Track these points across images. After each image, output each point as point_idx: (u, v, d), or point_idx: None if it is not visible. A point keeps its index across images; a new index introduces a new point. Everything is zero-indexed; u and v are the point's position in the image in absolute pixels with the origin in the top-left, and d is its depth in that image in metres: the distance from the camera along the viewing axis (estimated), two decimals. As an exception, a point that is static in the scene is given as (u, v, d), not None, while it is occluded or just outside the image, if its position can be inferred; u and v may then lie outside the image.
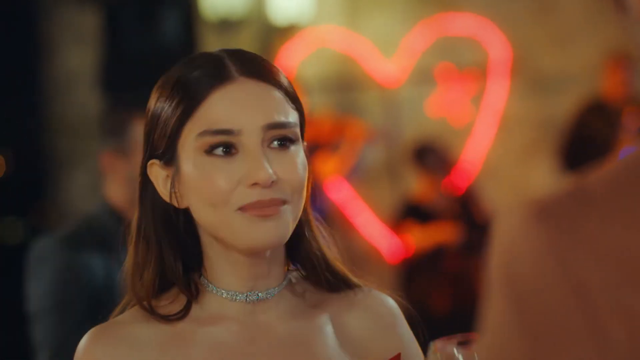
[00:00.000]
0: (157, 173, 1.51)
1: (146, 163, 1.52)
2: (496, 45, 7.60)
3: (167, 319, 1.49)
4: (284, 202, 1.45)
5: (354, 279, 1.59)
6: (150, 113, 1.52)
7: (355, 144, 6.89)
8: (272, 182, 1.44)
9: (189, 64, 1.52)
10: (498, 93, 7.62)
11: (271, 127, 1.46)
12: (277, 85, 1.49)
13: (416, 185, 6.67)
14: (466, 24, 7.64)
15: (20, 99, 7.71)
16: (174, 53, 5.37)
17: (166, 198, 1.50)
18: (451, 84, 7.65)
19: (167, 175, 1.50)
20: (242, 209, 1.44)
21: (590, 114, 6.67)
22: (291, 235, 1.50)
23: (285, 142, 1.47)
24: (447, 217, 6.18)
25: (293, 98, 1.51)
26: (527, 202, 0.85)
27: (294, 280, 1.57)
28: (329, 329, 1.55)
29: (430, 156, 6.43)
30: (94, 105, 6.64)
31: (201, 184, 1.45)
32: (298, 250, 1.57)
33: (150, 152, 1.51)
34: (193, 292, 1.51)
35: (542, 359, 0.81)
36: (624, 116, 6.50)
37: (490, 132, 7.63)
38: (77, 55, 7.55)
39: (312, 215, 1.57)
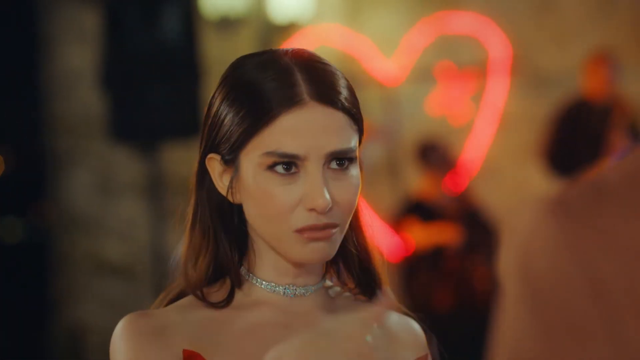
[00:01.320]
0: (215, 166, 1.54)
1: (205, 154, 1.54)
2: (496, 44, 7.60)
3: (216, 306, 1.54)
4: (336, 226, 1.50)
5: (385, 289, 1.63)
6: (214, 109, 1.54)
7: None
8: (329, 208, 1.48)
9: (260, 70, 1.52)
10: (498, 91, 7.62)
11: (333, 155, 1.49)
12: (344, 109, 1.52)
13: (418, 183, 6.67)
14: (466, 23, 7.64)
15: (21, 97, 7.71)
16: (175, 51, 5.37)
17: (222, 191, 1.54)
18: (451, 82, 7.65)
19: (224, 170, 1.53)
20: (297, 231, 1.48)
21: (573, 113, 6.68)
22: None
23: (343, 161, 1.51)
24: (449, 216, 6.18)
25: (356, 118, 1.55)
26: (543, 198, 0.84)
27: (329, 282, 1.62)
28: (357, 328, 1.57)
29: (435, 154, 6.43)
30: (95, 104, 6.64)
31: (260, 198, 1.49)
32: (342, 256, 1.61)
33: (211, 147, 1.54)
34: (240, 282, 1.56)
35: (557, 355, 0.80)
36: (612, 116, 6.51)
37: (490, 130, 7.63)
38: (77, 53, 7.55)
39: (364, 218, 1.63)
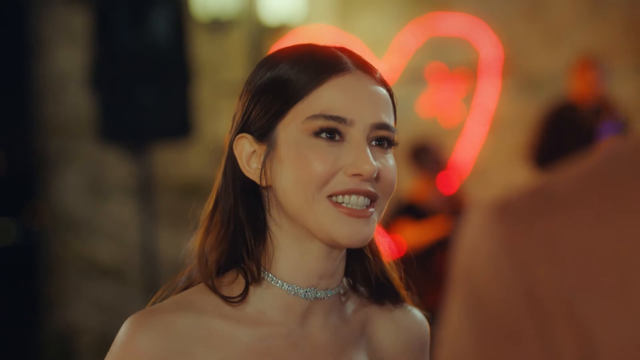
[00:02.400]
0: (243, 148, 1.50)
1: (234, 136, 1.51)
2: (487, 45, 7.61)
3: (227, 300, 1.47)
4: (376, 200, 1.46)
5: (402, 295, 1.61)
6: (254, 86, 1.51)
7: None
8: (373, 177, 1.45)
9: (300, 49, 1.53)
10: (489, 93, 7.62)
11: (379, 127, 1.47)
12: (385, 86, 1.52)
13: (410, 184, 6.67)
14: (457, 24, 7.65)
15: (11, 99, 7.70)
16: (165, 53, 5.37)
17: (248, 173, 1.49)
18: (442, 83, 7.65)
19: (254, 151, 1.49)
20: (334, 195, 1.43)
21: (560, 114, 6.70)
22: None
23: (383, 142, 1.49)
24: (440, 217, 6.18)
25: (394, 105, 1.54)
26: (491, 200, 0.84)
27: (344, 286, 1.58)
28: (365, 342, 1.56)
29: (427, 155, 6.43)
30: (85, 105, 6.64)
31: (300, 164, 1.44)
32: (356, 259, 1.57)
33: (243, 126, 1.50)
34: (256, 277, 1.49)
35: (490, 359, 0.80)
36: (600, 118, 6.53)
37: (481, 132, 7.64)
38: (67, 55, 7.54)
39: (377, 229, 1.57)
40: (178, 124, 5.41)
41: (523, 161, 7.09)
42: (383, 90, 1.51)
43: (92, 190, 7.70)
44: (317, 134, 1.45)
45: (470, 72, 7.63)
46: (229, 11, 7.30)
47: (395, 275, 1.60)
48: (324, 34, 7.65)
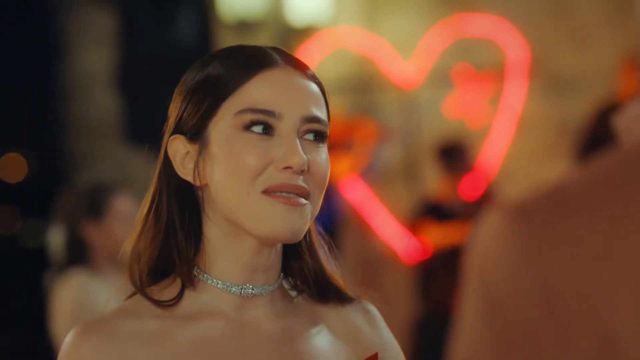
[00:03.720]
0: (177, 149, 1.51)
1: (168, 138, 1.52)
2: (514, 46, 7.58)
3: (160, 304, 1.49)
4: (307, 196, 1.46)
5: (349, 293, 1.60)
6: (185, 88, 1.52)
7: (367, 144, 6.88)
8: (303, 170, 1.45)
9: (229, 49, 1.54)
10: (516, 94, 7.60)
11: (309, 120, 1.48)
12: (316, 82, 1.53)
13: (436, 184, 6.66)
14: (484, 25, 7.63)
15: (39, 100, 7.74)
16: (191, 54, 5.39)
17: (182, 174, 1.50)
18: (469, 85, 7.63)
19: (188, 152, 1.50)
20: (267, 191, 1.44)
21: (606, 116, 6.66)
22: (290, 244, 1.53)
23: (316, 137, 1.49)
24: (466, 218, 6.16)
25: (325, 100, 1.54)
26: (506, 203, 0.84)
27: (286, 285, 1.58)
28: (314, 330, 1.56)
29: (456, 156, 6.42)
30: (111, 107, 6.66)
31: (232, 158, 1.45)
32: (294, 258, 1.57)
33: (176, 128, 1.52)
34: (191, 279, 1.50)
35: None
36: None
37: (508, 133, 7.61)
38: (94, 57, 7.57)
39: (314, 226, 1.57)
40: (203, 125, 5.43)
41: (551, 162, 7.05)
42: (313, 85, 1.51)
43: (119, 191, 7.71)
44: (247, 127, 1.46)
45: (497, 73, 7.60)
46: (255, 12, 7.31)
47: (335, 275, 1.59)
48: (350, 35, 7.65)
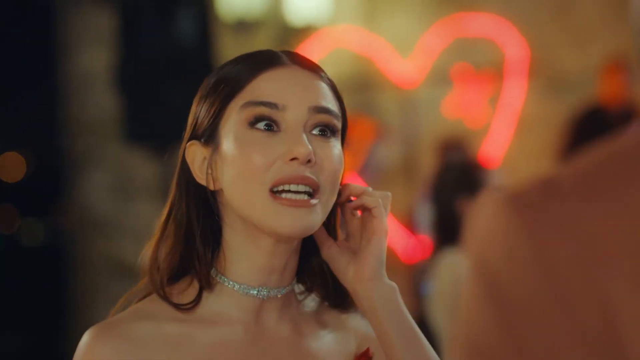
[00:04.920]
0: (195, 154, 1.51)
1: (186, 144, 1.53)
2: (513, 46, 7.59)
3: (179, 307, 1.49)
4: (317, 188, 1.45)
5: (353, 304, 1.59)
6: (199, 95, 1.53)
7: (364, 141, 6.88)
8: (310, 160, 1.44)
9: (242, 55, 1.55)
10: (515, 93, 7.60)
11: (316, 111, 1.48)
12: (326, 80, 1.52)
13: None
14: (483, 24, 7.63)
15: (39, 99, 7.74)
16: (191, 54, 5.39)
17: (200, 180, 1.50)
18: (468, 84, 7.64)
19: (205, 158, 1.50)
20: (275, 187, 1.44)
21: (589, 117, 6.67)
22: (310, 247, 1.54)
23: (326, 131, 1.49)
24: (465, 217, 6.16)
25: (339, 97, 1.54)
26: (500, 192, 0.85)
27: (297, 289, 1.58)
28: (323, 335, 1.57)
29: (458, 154, 6.42)
30: (111, 106, 6.66)
31: (239, 157, 1.45)
32: (317, 258, 1.57)
33: (193, 133, 1.52)
34: (206, 282, 1.51)
35: (517, 343, 0.81)
36: (630, 121, 6.49)
37: (507, 132, 7.62)
38: (94, 55, 7.57)
39: (341, 230, 1.57)
40: (203, 124, 5.43)
41: (549, 161, 7.06)
42: (322, 81, 1.52)
43: (118, 191, 7.73)
44: (252, 124, 1.46)
45: (496, 72, 7.61)
46: (255, 12, 7.31)
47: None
48: (349, 34, 7.65)
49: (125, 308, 1.55)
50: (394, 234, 7.16)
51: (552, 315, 0.80)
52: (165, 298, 1.49)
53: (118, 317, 1.50)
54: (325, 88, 1.51)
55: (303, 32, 7.53)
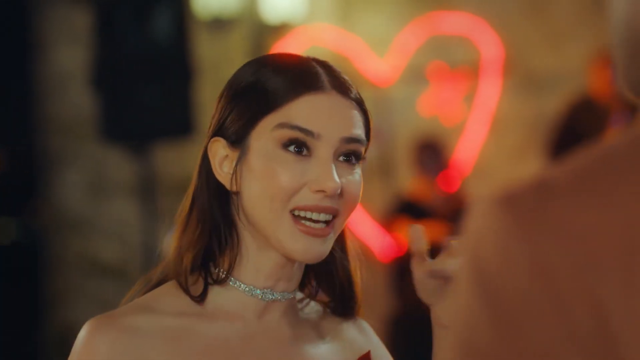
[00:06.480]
0: (217, 151, 1.53)
1: (210, 138, 1.54)
2: (488, 44, 7.61)
3: (194, 299, 1.51)
4: (336, 215, 1.49)
5: (357, 309, 1.63)
6: (233, 91, 1.54)
7: None
8: (336, 194, 1.47)
9: (281, 59, 1.56)
10: (490, 92, 7.63)
11: (348, 141, 1.50)
12: (360, 105, 1.54)
13: (410, 183, 6.68)
14: (458, 23, 7.65)
15: (13, 97, 7.70)
16: (167, 52, 5.38)
17: (219, 177, 1.52)
18: (443, 82, 7.66)
19: (227, 156, 1.52)
20: (295, 210, 1.46)
21: (578, 112, 6.70)
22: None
23: (351, 157, 1.51)
24: (440, 215, 6.18)
25: (368, 121, 1.56)
26: (493, 193, 0.86)
27: (300, 294, 1.61)
28: (321, 340, 1.59)
29: (430, 154, 6.44)
30: (87, 105, 6.64)
31: (267, 176, 1.47)
32: (325, 266, 1.59)
33: (219, 129, 1.53)
34: (222, 277, 1.53)
35: (510, 343, 0.82)
36: (612, 114, 6.53)
37: (482, 131, 7.64)
38: (69, 54, 7.54)
39: (349, 235, 1.61)
40: (180, 123, 5.43)
41: (525, 160, 7.09)
42: (356, 110, 1.53)
43: (94, 190, 7.70)
44: (285, 145, 1.48)
45: (471, 71, 7.63)
46: (230, 10, 7.30)
47: (358, 290, 1.62)
48: (324, 32, 7.65)
49: (143, 291, 1.57)
50: (369, 233, 7.17)
51: (545, 315, 0.81)
52: (185, 288, 1.51)
53: (118, 310, 1.52)
54: (357, 115, 1.53)
55: (278, 30, 7.53)
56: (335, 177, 1.47)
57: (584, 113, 6.67)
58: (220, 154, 1.52)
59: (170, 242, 1.57)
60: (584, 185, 0.83)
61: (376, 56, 7.63)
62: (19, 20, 7.60)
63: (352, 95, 1.53)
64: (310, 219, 1.47)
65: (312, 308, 1.62)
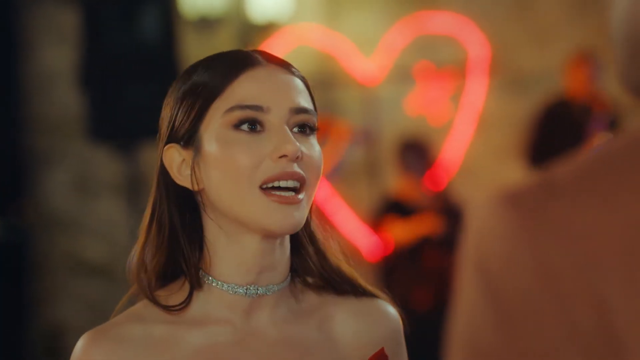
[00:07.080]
0: (173, 157, 1.53)
1: (163, 148, 1.54)
2: (475, 44, 7.62)
3: (168, 309, 1.51)
4: (304, 182, 1.48)
5: (363, 284, 1.62)
6: (172, 98, 1.55)
7: (339, 144, 6.90)
8: (297, 157, 1.47)
9: (211, 57, 1.56)
10: (477, 91, 7.64)
11: (297, 112, 1.51)
12: (300, 78, 1.55)
13: (397, 182, 6.69)
14: (445, 23, 7.66)
15: (0, 97, 7.68)
16: (154, 51, 5.37)
17: (180, 182, 1.52)
18: (430, 82, 7.67)
19: (184, 160, 1.52)
20: (265, 184, 1.46)
21: (554, 111, 6.72)
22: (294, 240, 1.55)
23: (305, 128, 1.52)
24: (427, 214, 6.19)
25: (311, 94, 1.56)
26: (497, 192, 0.86)
27: (297, 284, 1.59)
28: (320, 337, 1.57)
29: (415, 153, 6.45)
30: (74, 104, 6.63)
31: (226, 159, 1.47)
32: (296, 252, 1.58)
33: (169, 136, 1.54)
34: (199, 282, 1.52)
35: (514, 342, 0.82)
36: (592, 115, 6.55)
37: (469, 130, 7.65)
38: (56, 53, 7.53)
39: (315, 214, 1.61)
40: (167, 122, 5.41)
41: (512, 158, 7.10)
42: (297, 79, 1.54)
43: (81, 189, 7.69)
44: (237, 126, 1.48)
45: (458, 70, 7.64)
46: (217, 9, 7.30)
47: (342, 264, 1.61)
48: (311, 32, 7.66)
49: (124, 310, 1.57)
50: (356, 232, 7.17)
51: (546, 314, 0.81)
52: (154, 301, 1.52)
53: (113, 320, 1.53)
54: (301, 86, 1.54)
55: (265, 29, 7.53)
56: (293, 140, 1.47)
57: (559, 113, 6.69)
58: (176, 159, 1.53)
59: (132, 258, 1.57)
60: (585, 185, 0.84)
61: (363, 56, 7.64)
62: (5, 19, 7.58)
63: (292, 70, 1.55)
64: (279, 188, 1.47)
65: (312, 298, 1.59)
